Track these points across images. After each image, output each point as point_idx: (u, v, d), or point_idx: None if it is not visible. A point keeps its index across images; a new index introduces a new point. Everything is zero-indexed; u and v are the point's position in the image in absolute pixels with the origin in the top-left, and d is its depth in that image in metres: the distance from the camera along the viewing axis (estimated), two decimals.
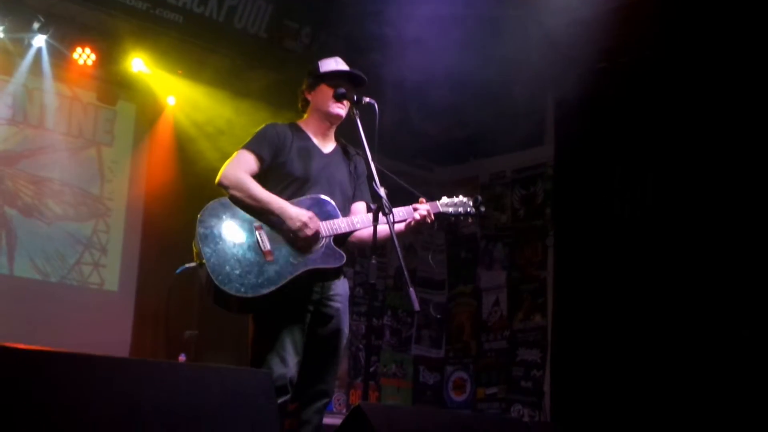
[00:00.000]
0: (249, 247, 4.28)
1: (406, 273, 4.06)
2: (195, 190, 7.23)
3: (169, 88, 8.49)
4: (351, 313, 4.74)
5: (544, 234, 9.24)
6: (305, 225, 4.31)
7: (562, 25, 7.52)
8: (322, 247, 4.39)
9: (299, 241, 4.33)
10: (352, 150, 4.78)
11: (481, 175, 9.72)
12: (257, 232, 4.33)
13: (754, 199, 7.28)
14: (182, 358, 7.06)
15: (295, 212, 4.34)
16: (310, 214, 4.36)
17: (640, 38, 7.92)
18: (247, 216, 4.37)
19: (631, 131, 8.19)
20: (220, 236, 4.26)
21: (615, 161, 8.33)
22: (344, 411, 8.53)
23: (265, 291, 4.19)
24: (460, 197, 4.75)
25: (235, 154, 4.51)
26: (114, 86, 8.38)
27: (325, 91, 4.61)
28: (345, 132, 4.77)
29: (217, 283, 4.12)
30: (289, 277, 4.25)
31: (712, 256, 7.42)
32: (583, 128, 8.57)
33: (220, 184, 4.42)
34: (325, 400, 4.52)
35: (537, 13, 7.67)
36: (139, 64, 8.07)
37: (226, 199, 4.40)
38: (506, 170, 9.79)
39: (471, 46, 7.65)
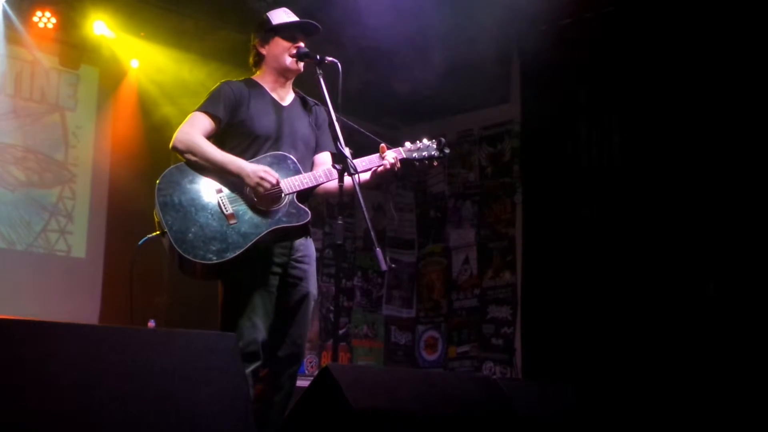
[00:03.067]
0: (210, 212, 4.21)
1: (372, 233, 4.03)
2: (160, 154, 7.16)
3: (132, 51, 8.38)
4: (321, 274, 4.71)
5: (512, 191, 9.26)
6: (263, 180, 4.23)
7: None
8: (285, 205, 4.31)
9: (260, 198, 4.27)
10: (311, 100, 4.70)
11: (449, 133, 9.67)
12: (218, 196, 4.26)
13: (721, 148, 7.31)
14: (152, 324, 7.05)
15: (251, 168, 4.26)
16: (265, 167, 4.28)
17: None
18: (207, 180, 4.28)
19: (596, 87, 8.21)
20: (180, 203, 4.18)
21: (581, 117, 8.34)
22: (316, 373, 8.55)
23: (230, 255, 4.12)
24: (424, 141, 4.66)
25: (189, 116, 4.40)
26: (76, 50, 8.26)
27: (281, 44, 4.52)
28: (309, 92, 4.72)
29: (180, 251, 4.06)
30: (254, 239, 4.19)
31: (681, 210, 7.47)
32: (549, 84, 8.58)
33: (174, 149, 4.32)
34: (297, 365, 4.50)
35: None
36: (101, 26, 7.95)
37: (183, 165, 4.31)
38: (473, 128, 9.79)
39: (434, 3, 7.60)
